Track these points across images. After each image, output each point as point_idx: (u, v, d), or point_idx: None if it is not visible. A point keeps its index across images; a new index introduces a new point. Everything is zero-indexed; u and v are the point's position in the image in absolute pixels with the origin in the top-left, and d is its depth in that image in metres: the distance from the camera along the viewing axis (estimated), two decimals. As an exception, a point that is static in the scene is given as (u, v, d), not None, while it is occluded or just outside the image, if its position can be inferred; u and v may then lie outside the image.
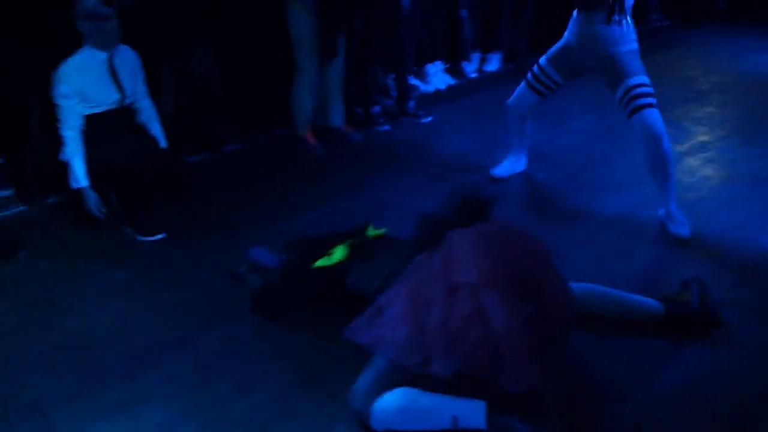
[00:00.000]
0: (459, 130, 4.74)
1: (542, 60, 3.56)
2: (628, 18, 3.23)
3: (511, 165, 3.99)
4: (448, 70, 5.81)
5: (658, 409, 2.17)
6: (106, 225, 3.44)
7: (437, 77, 5.67)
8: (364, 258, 2.50)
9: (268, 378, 2.37)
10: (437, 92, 5.55)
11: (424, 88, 5.56)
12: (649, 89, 3.20)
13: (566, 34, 3.44)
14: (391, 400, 2.04)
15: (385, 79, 5.40)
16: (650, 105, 3.17)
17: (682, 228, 3.19)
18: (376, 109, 5.03)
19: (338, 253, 2.55)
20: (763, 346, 2.45)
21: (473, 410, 2.01)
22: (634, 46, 3.25)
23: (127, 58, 3.51)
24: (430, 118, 5.00)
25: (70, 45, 3.40)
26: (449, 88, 5.63)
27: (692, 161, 4.02)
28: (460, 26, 5.75)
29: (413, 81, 5.41)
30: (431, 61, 5.65)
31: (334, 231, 2.75)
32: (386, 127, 4.90)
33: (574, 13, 3.35)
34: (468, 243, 2.17)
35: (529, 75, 3.65)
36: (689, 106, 4.96)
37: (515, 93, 3.77)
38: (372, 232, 2.76)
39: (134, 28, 3.53)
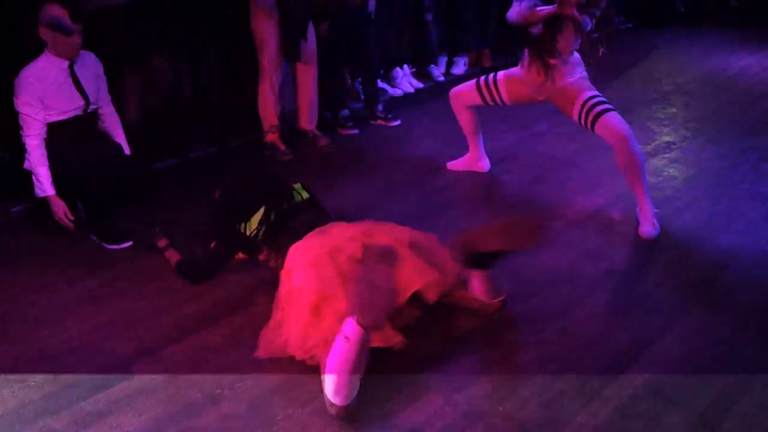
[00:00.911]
0: (428, 133, 4.75)
1: (499, 75, 3.63)
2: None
3: (468, 162, 4.06)
4: (415, 74, 5.82)
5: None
6: (73, 234, 3.37)
7: (405, 81, 5.68)
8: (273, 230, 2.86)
9: (240, 386, 2.35)
10: (405, 96, 5.55)
11: (392, 91, 5.57)
12: (603, 99, 3.32)
13: (518, 68, 3.53)
14: None
15: (353, 82, 5.40)
16: (610, 109, 3.27)
17: (650, 229, 3.24)
18: (345, 112, 5.02)
19: (255, 221, 2.89)
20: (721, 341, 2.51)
21: None
22: (583, 73, 3.38)
23: (90, 65, 3.45)
24: (398, 122, 5.00)
25: (29, 51, 3.35)
26: (417, 91, 5.63)
27: (657, 161, 4.09)
28: (426, 30, 5.77)
29: (381, 85, 5.41)
30: (399, 65, 5.66)
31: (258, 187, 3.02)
32: (355, 131, 4.89)
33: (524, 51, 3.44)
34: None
35: (482, 79, 3.70)
36: (653, 107, 5.05)
37: (462, 85, 3.84)
38: (298, 192, 3.03)
39: (97, 35, 3.47)
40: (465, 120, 3.91)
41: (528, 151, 4.34)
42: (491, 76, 3.66)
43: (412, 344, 2.48)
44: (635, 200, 3.31)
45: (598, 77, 3.49)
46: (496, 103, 3.68)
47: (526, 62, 3.45)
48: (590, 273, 2.97)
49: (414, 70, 5.83)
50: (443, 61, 6.03)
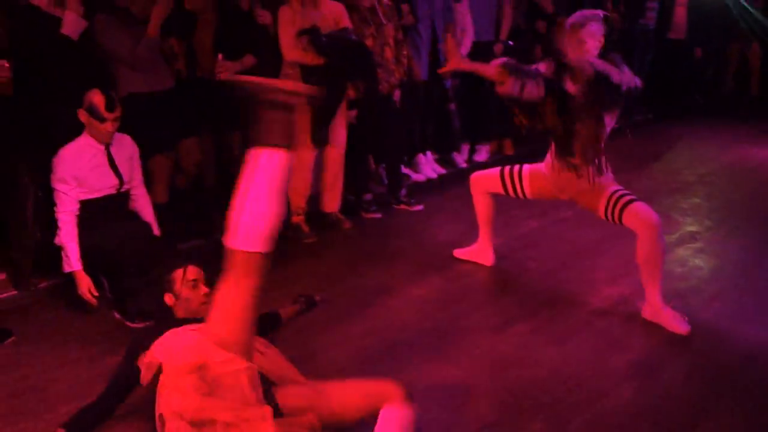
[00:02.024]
0: (450, 218, 4.80)
1: (525, 168, 3.64)
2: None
3: (474, 252, 4.01)
4: (438, 160, 5.93)
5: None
6: (97, 310, 3.40)
7: (428, 167, 5.77)
8: None
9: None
10: (428, 181, 5.64)
11: (415, 177, 5.66)
12: (630, 192, 3.32)
13: (543, 164, 3.54)
14: None
15: (377, 167, 5.51)
16: (637, 199, 3.26)
17: (679, 324, 3.15)
18: (368, 196, 5.09)
19: None
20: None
21: None
22: (609, 174, 3.38)
23: (126, 147, 3.58)
24: (421, 207, 5.06)
25: (69, 132, 3.48)
26: (440, 177, 5.72)
27: (682, 251, 4.07)
28: (449, 118, 5.92)
29: (405, 170, 5.51)
30: (422, 151, 5.77)
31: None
32: (378, 215, 4.95)
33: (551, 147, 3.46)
34: None
35: (507, 168, 3.69)
36: (676, 197, 5.07)
37: (485, 171, 3.84)
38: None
39: (131, 120, 3.61)
40: (482, 206, 3.88)
41: (549, 238, 4.35)
42: (516, 168, 3.67)
43: (434, 422, 2.43)
44: (649, 291, 3.23)
45: (619, 168, 3.52)
46: (516, 195, 3.67)
47: (549, 161, 3.47)
48: (616, 364, 2.91)
49: (437, 156, 5.94)
50: (466, 148, 6.14)
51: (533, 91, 3.07)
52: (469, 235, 4.29)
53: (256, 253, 2.18)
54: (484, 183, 3.81)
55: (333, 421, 2.24)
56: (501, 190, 3.71)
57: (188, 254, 3.86)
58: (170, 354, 2.26)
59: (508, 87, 3.08)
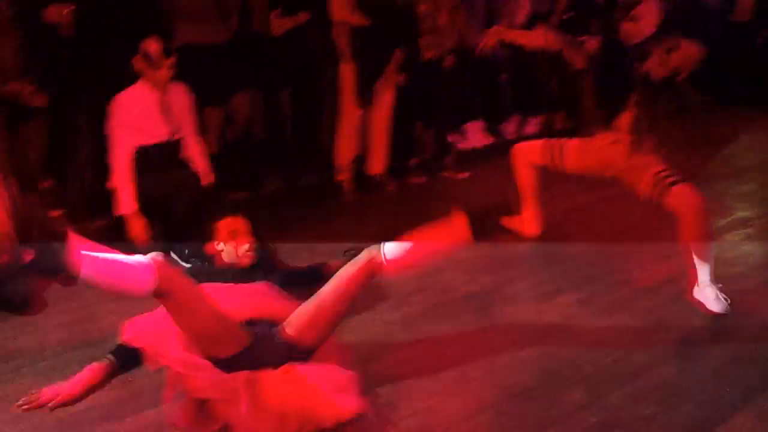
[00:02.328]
0: (495, 188, 4.74)
1: (569, 142, 3.56)
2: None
3: (519, 222, 3.92)
4: (486, 129, 5.88)
5: None
6: (147, 252, 3.46)
7: (476, 135, 5.74)
8: None
9: None
10: (474, 150, 5.60)
11: (462, 144, 5.62)
12: (675, 172, 3.20)
13: (589, 139, 3.46)
14: None
15: (425, 133, 5.48)
16: (682, 180, 3.15)
17: (716, 304, 3.09)
18: (414, 161, 5.08)
19: None
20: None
21: None
22: (657, 154, 3.27)
23: (179, 95, 3.63)
24: (466, 175, 5.03)
25: (127, 78, 3.53)
26: (487, 147, 5.68)
27: (732, 237, 3.98)
28: (500, 88, 5.85)
29: (452, 137, 5.48)
30: (471, 119, 5.73)
31: None
32: (422, 181, 4.94)
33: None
34: None
35: (550, 142, 3.63)
36: (730, 181, 4.93)
37: (529, 142, 3.78)
38: None
39: (185, 70, 3.65)
40: (524, 177, 3.79)
41: (598, 214, 4.29)
42: (561, 141, 3.59)
43: (468, 396, 2.47)
44: (699, 273, 3.15)
45: (671, 149, 3.41)
46: (557, 169, 3.60)
47: (596, 135, 3.40)
48: (661, 341, 2.88)
49: (485, 125, 5.89)
50: (515, 119, 6.07)
51: (577, 60, 3.05)
52: (514, 206, 4.27)
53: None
54: (526, 155, 3.73)
55: (341, 312, 2.42)
56: (542, 163, 3.64)
57: (235, 205, 3.91)
58: None
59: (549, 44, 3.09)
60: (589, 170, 3.52)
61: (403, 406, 2.42)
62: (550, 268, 3.59)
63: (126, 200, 3.41)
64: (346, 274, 2.43)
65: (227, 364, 2.24)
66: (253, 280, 2.73)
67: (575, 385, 2.58)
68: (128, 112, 3.44)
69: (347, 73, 4.43)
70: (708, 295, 3.12)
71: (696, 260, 3.17)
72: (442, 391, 2.52)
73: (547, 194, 4.07)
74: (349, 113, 4.53)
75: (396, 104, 4.72)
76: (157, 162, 3.55)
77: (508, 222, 3.98)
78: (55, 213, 3.84)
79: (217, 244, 2.88)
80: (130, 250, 3.40)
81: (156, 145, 3.55)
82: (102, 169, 3.64)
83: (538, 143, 3.69)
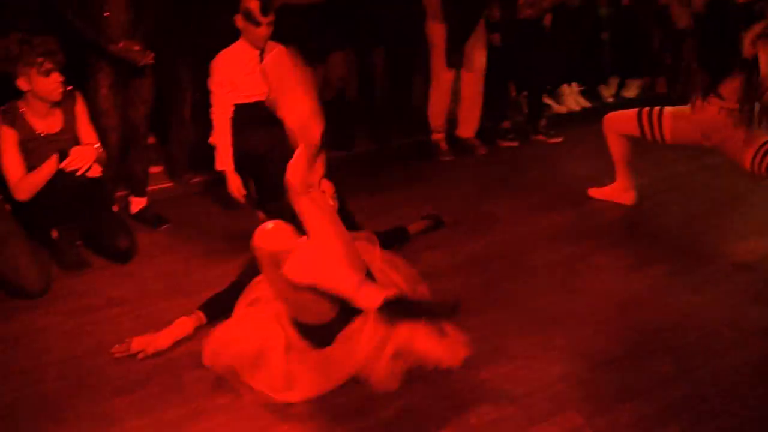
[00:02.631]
0: (589, 154, 4.62)
1: (666, 110, 3.43)
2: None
3: (613, 191, 3.85)
4: (583, 93, 5.71)
5: None
6: (242, 208, 3.62)
7: (571, 98, 5.58)
8: None
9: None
10: (570, 114, 5.46)
11: (557, 107, 5.50)
12: None
13: (689, 107, 3.32)
14: None
15: (518, 95, 5.39)
16: None
17: None
18: (506, 124, 5.02)
19: None
20: None
21: None
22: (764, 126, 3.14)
23: (277, 54, 3.70)
24: (560, 139, 4.93)
25: (227, 37, 3.64)
26: (583, 110, 5.52)
27: None
28: (600, 48, 5.65)
29: (546, 100, 5.36)
30: (567, 81, 5.57)
31: None
32: (514, 144, 4.88)
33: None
34: None
35: (645, 110, 3.49)
36: None
37: (621, 112, 3.65)
38: None
39: (283, 30, 3.72)
40: (616, 146, 3.70)
41: (697, 183, 4.13)
42: (656, 109, 3.46)
43: (552, 363, 2.48)
44: None
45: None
46: (654, 139, 3.47)
47: (698, 103, 3.26)
48: (755, 318, 2.78)
49: (582, 88, 5.72)
50: (615, 82, 5.86)
51: (682, 18, 2.91)
52: (609, 173, 4.16)
53: None
54: (619, 125, 3.62)
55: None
56: (637, 133, 3.52)
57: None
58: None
59: None
60: (688, 140, 3.39)
61: (485, 368, 2.47)
62: (641, 238, 3.51)
63: (224, 157, 3.55)
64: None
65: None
66: None
67: (662, 357, 2.55)
68: (228, 71, 3.55)
69: (438, 33, 4.40)
70: None
71: None
72: (525, 356, 2.54)
73: (647, 159, 3.97)
74: (441, 74, 4.51)
75: (489, 65, 4.65)
76: (255, 121, 3.66)
77: (597, 192, 3.92)
78: (157, 168, 4.06)
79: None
80: (228, 206, 3.64)
81: (254, 104, 3.65)
82: (203, 125, 3.80)
83: (631, 113, 3.56)
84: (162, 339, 2.54)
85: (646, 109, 3.50)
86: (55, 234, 3.11)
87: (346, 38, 4.56)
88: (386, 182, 4.19)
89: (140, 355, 2.49)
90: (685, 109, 3.36)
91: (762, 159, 3.07)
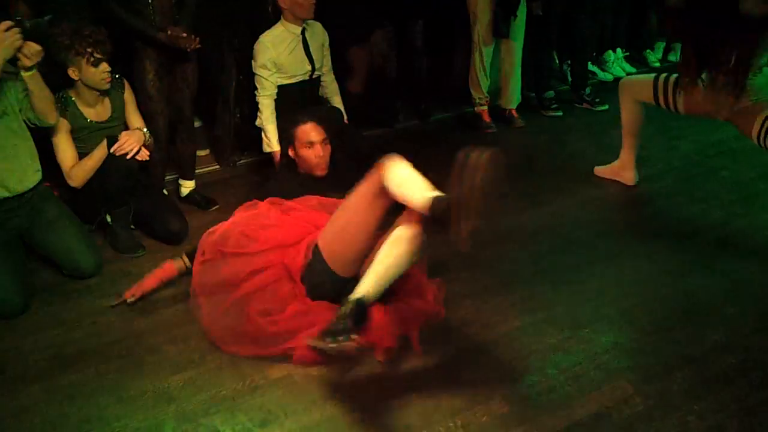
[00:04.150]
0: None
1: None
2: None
3: (614, 169, 3.68)
4: (628, 59, 5.59)
5: None
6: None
7: (617, 65, 5.47)
8: None
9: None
10: (616, 81, 5.34)
11: (601, 75, 5.40)
12: None
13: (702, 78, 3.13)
14: None
15: (562, 64, 5.30)
16: None
17: None
18: (550, 94, 4.95)
19: None
20: None
21: None
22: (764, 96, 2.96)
23: (317, 33, 3.73)
24: (606, 107, 4.85)
25: (266, 22, 3.68)
26: (628, 76, 5.40)
27: None
28: (645, 12, 5.51)
29: (591, 67, 5.27)
30: (612, 48, 5.46)
31: None
32: (559, 113, 4.82)
33: None
34: None
35: (662, 76, 3.31)
36: None
37: (638, 77, 3.50)
38: None
39: (324, 9, 3.73)
40: (628, 116, 3.52)
41: (748, 147, 3.97)
42: (674, 76, 3.27)
43: (601, 333, 2.48)
44: None
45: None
46: (669, 109, 3.30)
47: (709, 76, 3.08)
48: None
49: (627, 54, 5.60)
50: (661, 46, 5.71)
51: None
52: (658, 139, 4.09)
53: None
54: (635, 90, 3.44)
55: (361, 225, 2.35)
56: (652, 100, 3.33)
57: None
58: None
59: None
60: (702, 112, 3.20)
61: (534, 339, 2.48)
62: (689, 206, 3.45)
63: (273, 139, 3.60)
64: (357, 189, 2.37)
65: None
66: (330, 189, 2.84)
67: (715, 326, 2.52)
68: (272, 52, 3.58)
69: (482, 4, 4.35)
70: None
71: None
72: (573, 326, 2.55)
73: (691, 126, 3.86)
74: (482, 45, 4.47)
75: (531, 34, 4.58)
76: (298, 101, 3.69)
77: (601, 171, 3.77)
78: (204, 151, 4.14)
79: (295, 151, 3.00)
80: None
81: (297, 84, 3.68)
82: (249, 108, 3.86)
83: (648, 78, 3.38)
84: (148, 282, 2.77)
85: (664, 74, 3.33)
86: (109, 218, 3.20)
87: (386, 14, 4.55)
88: (430, 157, 4.15)
89: (130, 300, 2.72)
90: (695, 82, 3.16)
91: (767, 133, 2.91)
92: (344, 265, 2.41)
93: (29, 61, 2.62)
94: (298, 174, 3.03)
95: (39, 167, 2.95)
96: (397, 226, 2.29)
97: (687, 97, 3.19)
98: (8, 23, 2.51)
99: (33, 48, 2.59)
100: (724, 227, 3.17)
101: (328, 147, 2.99)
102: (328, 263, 2.41)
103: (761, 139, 2.96)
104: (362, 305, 2.16)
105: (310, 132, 2.95)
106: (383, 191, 2.24)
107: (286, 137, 3.05)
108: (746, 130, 3.05)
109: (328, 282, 2.44)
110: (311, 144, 2.95)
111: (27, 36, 2.56)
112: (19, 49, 2.56)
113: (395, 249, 2.25)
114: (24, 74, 2.67)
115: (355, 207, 2.35)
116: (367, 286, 2.22)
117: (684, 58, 3.14)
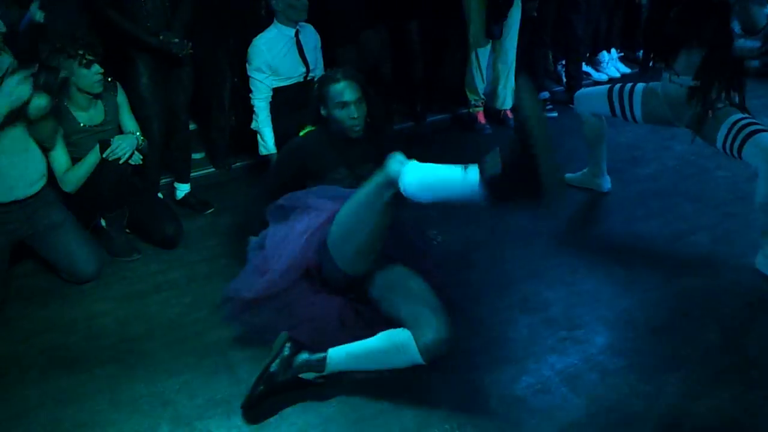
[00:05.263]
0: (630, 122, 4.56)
1: (637, 88, 3.14)
2: None
3: (585, 177, 3.60)
4: (623, 59, 5.60)
5: None
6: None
7: (611, 65, 5.48)
8: None
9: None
10: (610, 81, 5.36)
11: (596, 76, 5.40)
12: (758, 121, 2.79)
13: (660, 83, 3.04)
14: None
15: (556, 64, 5.30)
16: (764, 129, 2.74)
17: None
18: (545, 94, 4.96)
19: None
20: None
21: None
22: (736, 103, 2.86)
23: (310, 35, 3.74)
24: (600, 108, 4.85)
25: (260, 24, 3.68)
26: (624, 77, 5.41)
27: None
28: (639, 12, 5.51)
29: (585, 68, 5.27)
30: (606, 48, 5.47)
31: None
32: (554, 114, 4.82)
33: None
34: None
35: (617, 87, 3.22)
36: None
37: (592, 89, 3.39)
38: None
39: (316, 11, 3.73)
40: (588, 129, 3.43)
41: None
42: (628, 86, 3.17)
43: (598, 333, 2.47)
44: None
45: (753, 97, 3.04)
46: (626, 119, 3.21)
47: (666, 80, 2.98)
48: None
49: (622, 54, 5.61)
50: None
51: None
52: (653, 138, 4.09)
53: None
54: (589, 103, 3.34)
55: (367, 224, 2.26)
56: (608, 111, 3.25)
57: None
58: None
59: None
60: (660, 120, 3.10)
61: (528, 341, 2.48)
62: (683, 203, 3.46)
63: (269, 142, 3.59)
64: (364, 189, 2.27)
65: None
66: (362, 155, 2.72)
67: (710, 326, 2.52)
68: (267, 54, 3.58)
69: (476, 5, 4.35)
70: None
71: (766, 224, 2.79)
72: (569, 326, 2.55)
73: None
74: (477, 46, 4.46)
75: (525, 35, 4.59)
76: (293, 103, 3.69)
77: (572, 178, 3.69)
78: (199, 155, 4.13)
79: (328, 112, 2.73)
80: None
81: (291, 86, 3.69)
82: (243, 111, 3.85)
83: (602, 90, 3.29)
84: None
85: (618, 85, 3.24)
86: (103, 222, 3.19)
87: (379, 14, 4.54)
88: (425, 158, 4.17)
89: None
90: (657, 85, 3.09)
91: (736, 135, 2.78)
92: (354, 265, 2.36)
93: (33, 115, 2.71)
94: (329, 134, 2.76)
95: (45, 172, 2.96)
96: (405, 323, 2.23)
97: (646, 104, 3.09)
98: (23, 75, 2.62)
99: (39, 103, 2.69)
100: (719, 227, 3.17)
101: (363, 107, 2.71)
102: (338, 264, 2.36)
103: (727, 145, 2.84)
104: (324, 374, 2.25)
105: (343, 91, 2.67)
106: (394, 196, 2.16)
107: (318, 95, 2.76)
108: (709, 138, 2.94)
109: (341, 279, 2.41)
110: (345, 104, 2.67)
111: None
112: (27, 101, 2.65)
113: (385, 354, 2.21)
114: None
115: (362, 209, 2.27)
116: (338, 361, 2.24)
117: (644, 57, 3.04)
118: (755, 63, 4.82)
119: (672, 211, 3.38)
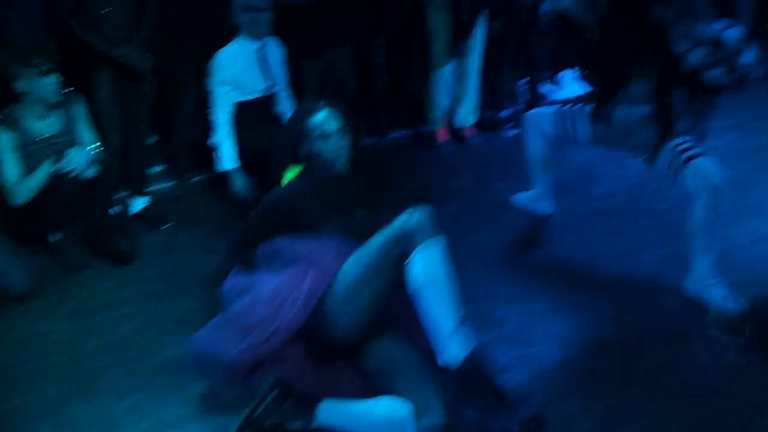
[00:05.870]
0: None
1: (586, 110, 3.03)
2: None
3: (530, 199, 3.49)
4: (583, 78, 5.68)
5: None
6: (246, 206, 3.63)
7: (572, 84, 5.56)
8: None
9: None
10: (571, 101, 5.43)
11: (557, 95, 5.48)
12: (696, 144, 2.78)
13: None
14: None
15: (517, 83, 5.37)
16: (703, 154, 2.73)
17: (729, 300, 2.73)
18: (506, 113, 5.01)
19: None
20: None
21: None
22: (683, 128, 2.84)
23: (274, 49, 3.72)
24: (562, 126, 4.91)
25: (223, 38, 3.66)
26: (587, 95, 5.48)
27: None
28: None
29: (546, 87, 5.35)
30: (567, 67, 5.55)
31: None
32: (516, 132, 4.87)
33: None
34: None
35: (564, 108, 3.13)
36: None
37: (543, 108, 3.33)
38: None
39: (282, 25, 3.73)
40: (533, 148, 3.29)
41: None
42: (577, 106, 3.06)
43: (549, 351, 2.47)
44: (701, 264, 2.80)
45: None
46: (569, 140, 3.14)
47: (610, 103, 2.91)
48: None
49: (582, 73, 5.68)
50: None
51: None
52: (607, 160, 4.14)
53: None
54: (539, 122, 3.24)
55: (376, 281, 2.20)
56: (554, 132, 3.16)
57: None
58: None
59: None
60: (608, 143, 3.03)
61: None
62: (635, 225, 3.51)
63: (227, 156, 3.56)
64: (375, 241, 2.20)
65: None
66: (353, 195, 2.54)
67: (659, 343, 2.56)
68: (230, 68, 3.55)
69: (440, 23, 4.39)
70: (717, 294, 2.75)
71: (698, 251, 2.79)
72: (523, 344, 2.58)
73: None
74: (440, 64, 4.50)
75: (488, 53, 4.64)
76: (255, 118, 3.66)
77: (518, 200, 3.60)
78: (159, 167, 4.08)
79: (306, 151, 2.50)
80: (233, 205, 3.65)
81: (254, 101, 3.67)
82: (204, 125, 3.82)
83: (550, 111, 3.21)
84: None
85: (568, 105, 3.16)
86: (55, 236, 3.13)
87: (346, 32, 4.56)
88: (388, 174, 4.19)
89: None
90: (600, 109, 2.97)
91: (677, 157, 2.75)
92: (347, 330, 2.23)
93: None
94: (313, 179, 2.51)
95: None
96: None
97: (593, 126, 2.99)
98: None
99: None
100: (671, 245, 3.22)
101: (347, 137, 2.47)
102: (335, 328, 2.23)
103: (672, 168, 2.79)
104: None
105: (325, 121, 2.44)
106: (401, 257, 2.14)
107: (296, 134, 2.50)
108: (652, 160, 2.88)
109: (325, 338, 2.26)
110: (328, 135, 2.42)
111: None
112: None
113: (379, 426, 2.11)
114: None
115: (371, 268, 2.18)
116: (328, 416, 2.12)
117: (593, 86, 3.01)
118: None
119: (626, 230, 3.44)
